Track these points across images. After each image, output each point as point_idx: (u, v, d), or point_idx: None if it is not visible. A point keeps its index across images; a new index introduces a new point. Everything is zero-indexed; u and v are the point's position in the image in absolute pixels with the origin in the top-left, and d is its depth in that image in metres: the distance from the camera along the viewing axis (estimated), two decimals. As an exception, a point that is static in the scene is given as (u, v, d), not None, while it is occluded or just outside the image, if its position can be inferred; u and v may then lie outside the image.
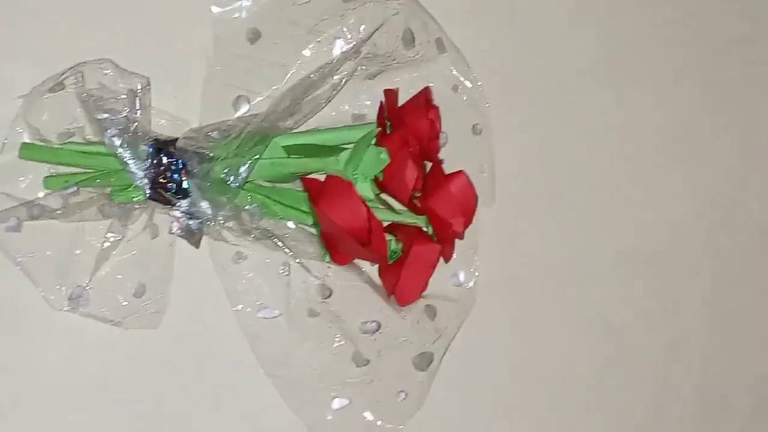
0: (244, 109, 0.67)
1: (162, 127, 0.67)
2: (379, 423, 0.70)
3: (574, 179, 0.78)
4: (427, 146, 0.67)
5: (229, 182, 0.64)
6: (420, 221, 0.68)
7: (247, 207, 0.66)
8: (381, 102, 0.69)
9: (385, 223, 0.67)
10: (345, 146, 0.67)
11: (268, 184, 0.68)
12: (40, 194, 0.66)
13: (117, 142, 0.64)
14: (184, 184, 0.65)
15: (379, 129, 0.66)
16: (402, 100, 0.70)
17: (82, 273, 0.67)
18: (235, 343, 0.68)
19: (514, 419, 0.77)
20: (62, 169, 0.66)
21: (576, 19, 0.79)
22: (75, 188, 0.64)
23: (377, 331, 0.69)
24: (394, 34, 0.68)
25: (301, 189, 0.67)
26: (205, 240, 0.67)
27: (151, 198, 0.65)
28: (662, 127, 0.80)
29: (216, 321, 0.70)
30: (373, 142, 0.66)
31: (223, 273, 0.68)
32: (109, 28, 0.69)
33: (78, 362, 0.69)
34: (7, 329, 0.68)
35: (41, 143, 0.66)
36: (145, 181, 0.65)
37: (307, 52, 0.67)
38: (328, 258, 0.67)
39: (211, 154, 0.65)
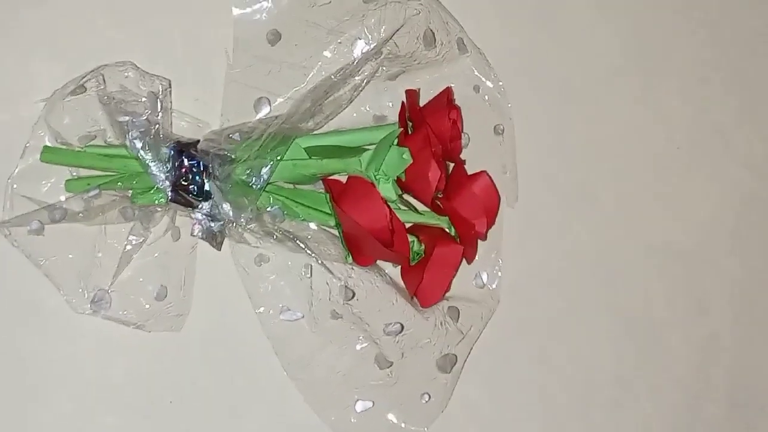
0: (265, 110, 0.67)
1: (183, 129, 0.68)
2: (403, 425, 0.70)
3: (597, 179, 0.78)
4: (449, 147, 0.67)
5: (250, 184, 0.64)
6: (442, 222, 0.68)
7: (268, 209, 0.66)
8: (402, 102, 0.69)
9: (408, 225, 0.67)
10: (367, 147, 0.67)
11: (289, 186, 0.68)
12: (62, 197, 0.66)
13: (138, 144, 0.64)
14: (206, 186, 0.65)
15: (401, 129, 0.66)
16: (423, 100, 0.70)
17: (104, 276, 0.67)
18: (257, 345, 0.68)
19: (542, 420, 0.76)
20: (84, 172, 0.67)
21: (599, 18, 0.78)
22: (97, 191, 0.64)
23: (400, 332, 0.69)
24: (415, 34, 0.68)
25: (322, 190, 0.67)
26: (226, 242, 0.67)
27: (172, 200, 0.65)
28: (688, 125, 0.80)
29: (238, 323, 0.70)
30: (396, 142, 0.65)
31: (245, 275, 0.68)
32: (130, 30, 0.70)
33: (101, 364, 0.69)
34: (30, 332, 0.69)
35: (63, 146, 0.66)
36: (167, 183, 0.64)
37: (327, 53, 0.67)
38: (350, 259, 0.67)
39: (233, 156, 0.65)
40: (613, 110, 0.78)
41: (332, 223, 0.66)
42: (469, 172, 0.69)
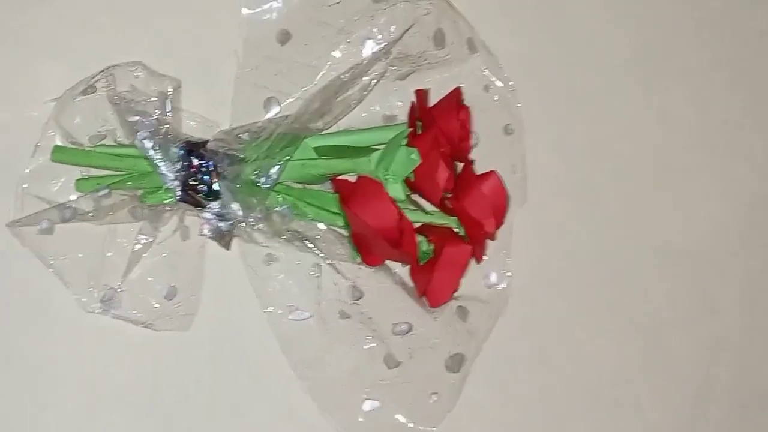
0: (274, 110, 0.67)
1: (193, 129, 0.68)
2: (411, 425, 0.70)
3: (606, 178, 0.78)
4: (459, 147, 0.67)
5: (259, 184, 0.64)
6: (451, 222, 0.67)
7: (277, 208, 0.66)
8: (412, 102, 0.69)
9: (417, 225, 0.67)
10: (376, 147, 0.67)
11: (298, 186, 0.68)
12: (72, 197, 0.66)
13: (148, 144, 0.64)
14: (215, 186, 0.65)
15: (410, 129, 0.66)
16: (433, 100, 0.70)
17: (114, 275, 0.67)
18: (265, 345, 0.68)
19: (546, 420, 0.76)
20: (94, 172, 0.67)
21: (606, 18, 0.78)
22: (106, 190, 0.65)
23: (409, 332, 0.69)
24: (425, 34, 0.68)
25: (331, 190, 0.67)
26: (235, 242, 0.67)
27: (182, 200, 0.65)
28: (695, 123, 0.79)
29: (247, 323, 0.70)
30: (404, 142, 0.65)
31: (253, 275, 0.68)
32: (139, 30, 0.70)
33: (110, 363, 0.70)
34: (39, 330, 0.69)
35: (73, 146, 0.66)
36: (176, 183, 0.65)
37: (337, 53, 0.67)
38: (359, 259, 0.67)
39: (242, 156, 0.65)
40: (619, 110, 0.78)
41: (341, 223, 0.66)
42: (479, 172, 0.68)
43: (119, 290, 0.67)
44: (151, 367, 0.70)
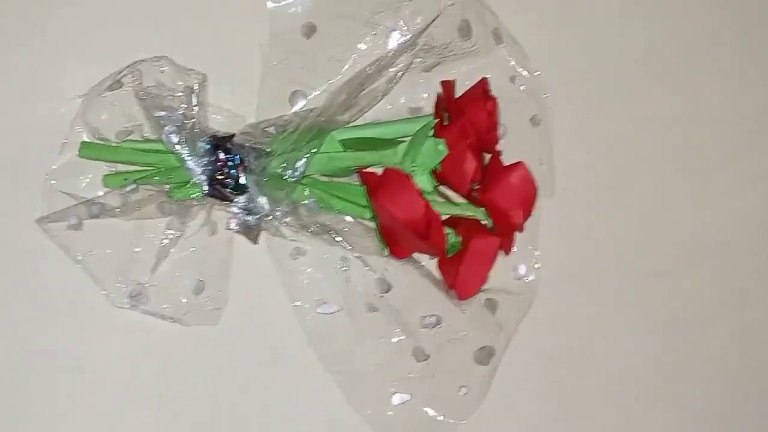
0: (300, 103, 0.68)
1: (219, 123, 0.68)
2: (440, 418, 0.70)
3: (635, 170, 0.77)
4: (486, 137, 0.66)
5: (286, 177, 0.64)
6: (479, 214, 0.67)
7: (304, 202, 0.66)
8: (438, 93, 0.68)
9: (444, 217, 0.67)
10: (402, 139, 0.66)
11: (325, 179, 0.68)
12: (100, 193, 0.66)
13: (175, 139, 0.64)
14: (242, 180, 0.65)
15: (437, 120, 0.65)
16: (459, 92, 0.69)
17: (142, 270, 0.67)
18: (294, 339, 0.69)
19: (578, 414, 0.76)
20: (121, 168, 0.67)
21: (634, 8, 0.77)
22: (134, 186, 0.65)
23: (437, 325, 0.69)
24: (451, 25, 0.68)
25: (358, 183, 0.67)
26: (263, 236, 0.67)
27: (209, 194, 0.65)
28: (723, 116, 0.79)
29: (275, 317, 0.70)
30: (431, 133, 0.65)
31: (281, 269, 0.68)
32: (164, 25, 0.70)
33: (139, 358, 0.70)
34: (70, 326, 0.69)
35: (100, 142, 0.67)
36: (203, 177, 0.65)
37: (362, 46, 0.67)
38: (386, 252, 0.67)
39: (268, 150, 0.65)
40: (650, 101, 0.78)
41: (368, 215, 0.66)
42: (506, 163, 0.68)
43: (147, 285, 0.67)
44: (180, 362, 0.70)
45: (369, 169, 0.67)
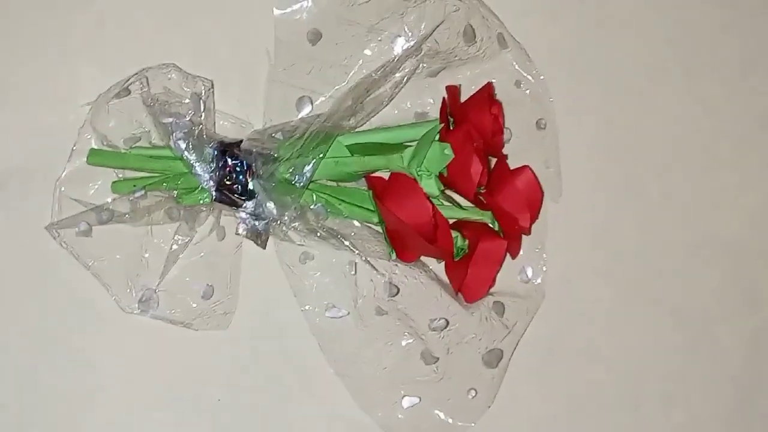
0: (307, 109, 0.68)
1: (226, 129, 0.69)
2: (450, 421, 0.70)
3: (642, 172, 0.77)
4: (491, 141, 0.67)
5: (294, 182, 0.65)
6: (486, 217, 0.67)
7: (312, 206, 0.66)
8: (444, 98, 0.69)
9: (451, 221, 0.67)
10: (408, 144, 0.67)
11: (332, 184, 0.68)
12: (109, 199, 0.67)
13: (183, 145, 0.64)
14: (250, 185, 0.65)
15: (443, 125, 0.66)
16: (464, 97, 0.70)
17: (152, 276, 0.68)
18: (303, 343, 0.69)
19: (590, 414, 0.76)
20: (130, 174, 0.68)
21: (641, 10, 0.78)
22: (142, 192, 0.65)
23: (446, 328, 0.69)
24: (455, 30, 0.68)
25: (365, 188, 0.67)
26: (271, 241, 0.67)
27: (217, 200, 0.66)
28: (733, 116, 0.79)
29: (284, 321, 0.70)
30: (437, 138, 0.65)
31: (290, 273, 0.68)
32: (172, 33, 0.71)
33: (153, 363, 0.70)
34: (81, 331, 0.70)
35: (109, 149, 0.67)
36: (211, 183, 0.65)
37: (368, 51, 0.68)
38: (394, 256, 0.67)
39: (276, 155, 0.65)
40: (656, 102, 0.78)
41: (375, 219, 0.67)
42: (512, 167, 0.68)
43: (157, 291, 0.68)
44: (191, 367, 0.70)
45: (376, 174, 0.67)
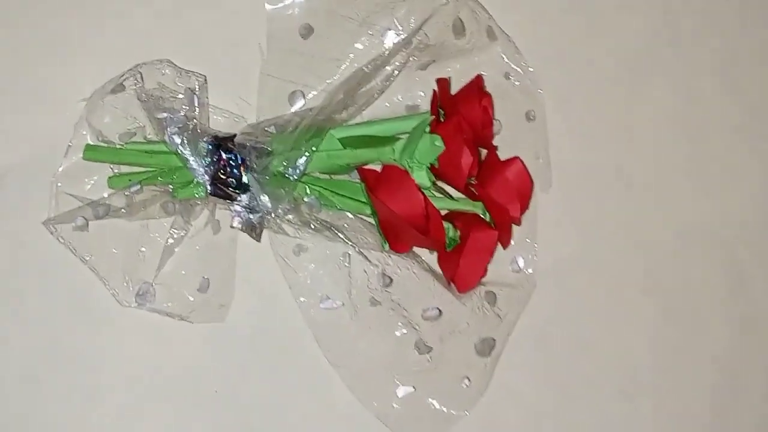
0: (299, 103, 0.69)
1: (220, 123, 0.69)
2: (444, 409, 0.71)
3: (631, 162, 0.78)
4: (481, 133, 0.67)
5: (287, 175, 0.65)
6: (477, 208, 0.68)
7: (306, 199, 0.67)
8: (434, 91, 0.69)
9: (443, 212, 0.68)
10: (400, 136, 0.67)
11: (325, 177, 0.69)
12: (105, 194, 0.67)
13: (177, 140, 0.65)
14: (244, 179, 0.66)
15: (433, 117, 0.67)
16: (454, 89, 0.70)
17: (148, 269, 0.68)
18: (299, 334, 0.69)
19: (581, 403, 0.76)
20: (125, 169, 0.68)
21: (630, 2, 0.79)
22: (138, 186, 0.66)
23: (439, 317, 0.70)
24: (445, 24, 0.69)
25: (358, 180, 0.68)
26: (266, 233, 0.68)
27: (212, 193, 0.66)
28: (725, 105, 0.80)
29: (280, 313, 0.71)
30: (428, 130, 0.66)
31: (284, 265, 0.69)
32: (166, 29, 0.72)
33: (152, 356, 0.71)
34: (84, 325, 0.70)
35: (104, 144, 0.68)
36: (206, 177, 0.66)
37: (359, 45, 0.68)
38: (387, 247, 0.68)
39: (269, 149, 0.66)
40: (645, 94, 0.79)
41: (368, 211, 0.67)
42: (502, 159, 0.69)
43: (154, 284, 0.68)
44: (187, 359, 0.71)
45: (368, 167, 0.68)
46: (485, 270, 0.69)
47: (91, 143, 0.67)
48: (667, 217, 0.78)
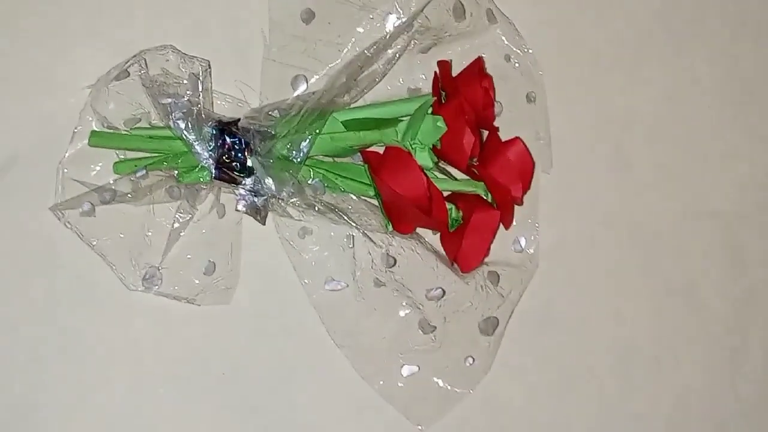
0: (302, 87, 0.69)
1: (224, 108, 0.69)
2: (448, 388, 0.71)
3: (631, 142, 0.78)
4: (483, 114, 0.68)
5: (291, 158, 0.66)
6: (479, 188, 0.69)
7: (310, 182, 0.67)
8: (435, 73, 0.70)
9: (446, 193, 0.68)
10: (402, 119, 0.68)
11: (329, 159, 0.69)
12: (111, 180, 0.67)
13: (182, 125, 0.65)
14: (248, 163, 0.66)
15: (435, 99, 0.67)
16: (455, 72, 0.71)
17: (155, 254, 0.69)
18: (304, 315, 0.70)
19: (583, 381, 0.77)
20: (131, 154, 0.69)
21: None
22: (144, 171, 0.66)
23: (442, 297, 0.70)
24: (445, 6, 0.69)
25: (361, 162, 0.68)
26: (270, 216, 0.69)
27: (217, 178, 0.67)
28: (722, 85, 0.80)
29: (285, 295, 0.71)
30: (430, 111, 0.67)
31: (289, 248, 0.69)
32: (169, 14, 0.72)
33: (157, 339, 0.71)
34: (87, 309, 0.71)
35: (109, 130, 0.68)
36: (211, 161, 0.66)
37: (360, 29, 0.69)
38: (390, 228, 0.68)
39: (273, 132, 0.66)
40: (644, 73, 0.79)
41: (372, 193, 0.68)
42: (503, 139, 0.70)
43: (160, 268, 0.69)
44: (195, 342, 0.71)
45: (371, 149, 0.69)
46: (488, 250, 0.69)
47: (97, 129, 0.68)
48: (666, 195, 0.79)
